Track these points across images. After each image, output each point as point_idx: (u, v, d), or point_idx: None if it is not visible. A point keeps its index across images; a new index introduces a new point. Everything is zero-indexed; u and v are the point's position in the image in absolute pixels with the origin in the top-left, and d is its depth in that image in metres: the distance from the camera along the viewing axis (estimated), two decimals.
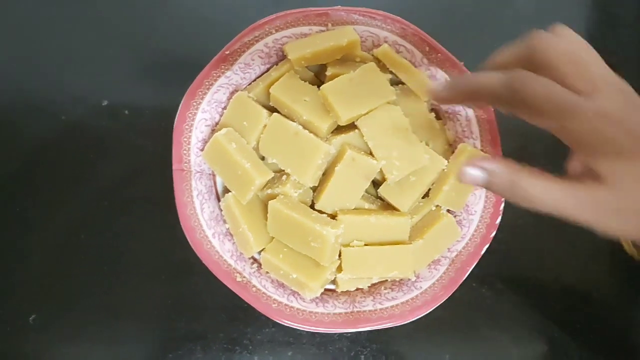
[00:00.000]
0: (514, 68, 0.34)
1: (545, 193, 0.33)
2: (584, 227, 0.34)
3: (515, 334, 0.56)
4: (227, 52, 0.48)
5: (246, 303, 0.48)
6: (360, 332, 0.54)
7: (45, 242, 0.56)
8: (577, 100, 0.32)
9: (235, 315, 0.55)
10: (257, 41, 0.49)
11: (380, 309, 0.49)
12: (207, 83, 0.49)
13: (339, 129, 0.49)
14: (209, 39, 0.52)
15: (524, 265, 0.58)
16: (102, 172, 0.56)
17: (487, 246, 0.50)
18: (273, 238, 0.49)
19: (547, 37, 0.34)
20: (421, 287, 0.50)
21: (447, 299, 0.50)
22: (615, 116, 0.31)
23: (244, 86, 0.52)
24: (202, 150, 0.50)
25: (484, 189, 0.51)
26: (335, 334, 0.55)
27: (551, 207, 0.33)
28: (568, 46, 0.33)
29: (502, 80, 0.34)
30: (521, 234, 0.58)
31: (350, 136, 0.48)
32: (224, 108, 0.51)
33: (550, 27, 0.36)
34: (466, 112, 0.52)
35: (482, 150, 0.51)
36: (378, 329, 0.49)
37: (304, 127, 0.47)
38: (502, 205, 0.51)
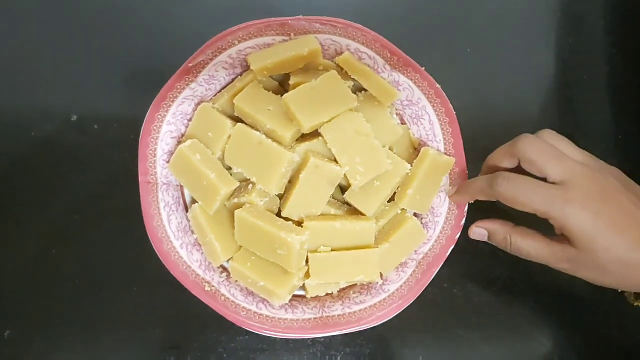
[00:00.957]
0: (504, 166, 0.47)
1: (532, 249, 0.46)
2: None
3: (486, 333, 0.57)
4: (190, 64, 0.49)
5: None
6: (333, 336, 0.55)
7: (17, 257, 0.56)
8: (550, 191, 0.43)
9: (208, 323, 0.55)
10: (220, 52, 0.50)
11: (349, 313, 0.50)
12: (171, 95, 0.50)
13: (303, 137, 0.50)
14: (174, 51, 0.53)
15: (494, 264, 0.58)
16: (73, 186, 0.57)
17: (452, 247, 0.51)
18: (241, 247, 0.49)
19: (529, 138, 0.45)
20: (389, 290, 0.51)
21: (418, 300, 0.50)
22: (580, 202, 0.41)
23: (209, 97, 0.52)
24: (168, 162, 0.50)
25: (447, 192, 0.53)
26: (308, 339, 0.56)
27: (538, 259, 0.46)
28: (545, 144, 0.45)
29: (486, 181, 0.46)
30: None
31: (314, 143, 0.49)
32: (189, 120, 0.51)
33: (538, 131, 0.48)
34: (429, 117, 0.52)
35: (445, 153, 0.52)
36: (351, 333, 0.50)
37: (268, 136, 0.48)
38: (466, 207, 0.51)
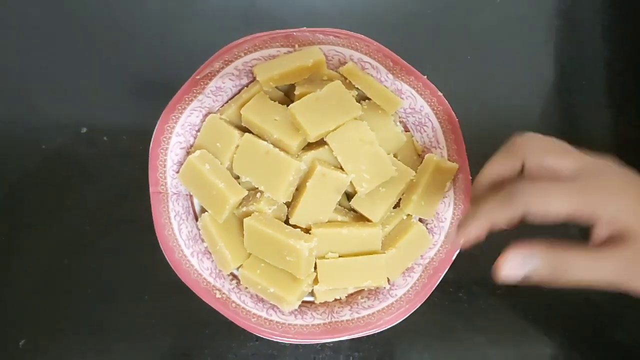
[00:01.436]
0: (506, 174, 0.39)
1: (586, 270, 0.34)
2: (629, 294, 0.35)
3: (492, 336, 0.58)
4: (198, 77, 0.50)
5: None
6: (342, 341, 0.56)
7: (30, 267, 0.57)
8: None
9: (219, 330, 0.56)
10: (227, 64, 0.51)
11: (358, 318, 0.51)
12: (179, 107, 0.51)
13: (309, 145, 0.51)
14: (181, 64, 0.54)
15: None
16: (84, 197, 0.58)
17: (457, 252, 0.52)
18: (250, 254, 0.50)
19: (526, 134, 0.39)
20: (396, 295, 0.52)
21: (424, 304, 0.51)
22: (617, 186, 0.35)
23: (217, 108, 0.53)
24: (177, 172, 0.51)
25: (452, 199, 0.53)
26: (317, 344, 0.56)
27: (599, 282, 0.34)
28: (545, 137, 0.39)
29: (501, 197, 0.36)
30: (494, 236, 0.59)
31: (320, 152, 0.50)
32: (198, 130, 0.52)
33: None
34: (432, 124, 0.53)
35: (448, 159, 0.53)
36: (359, 338, 0.51)
37: (275, 146, 0.49)
38: None
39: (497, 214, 0.37)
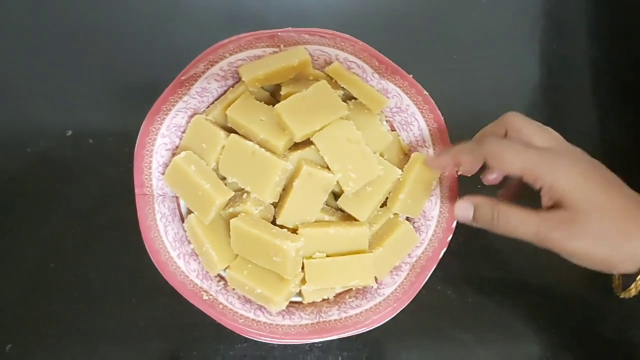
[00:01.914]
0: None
1: (520, 220, 0.42)
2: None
3: (481, 334, 0.58)
4: (183, 78, 0.50)
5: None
6: (330, 341, 0.56)
7: (16, 272, 0.56)
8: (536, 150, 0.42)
9: (207, 332, 0.56)
10: (212, 65, 0.51)
11: (346, 317, 0.51)
12: (164, 108, 0.51)
13: (295, 146, 0.51)
14: (166, 65, 0.53)
15: (487, 265, 0.59)
16: (70, 200, 0.57)
17: (444, 250, 0.52)
18: (237, 255, 0.50)
19: (515, 113, 0.46)
20: (384, 294, 0.52)
21: (413, 303, 0.51)
22: (569, 162, 0.41)
23: (202, 109, 0.53)
24: (163, 174, 0.51)
25: (439, 197, 0.53)
26: (306, 344, 0.56)
27: (528, 231, 0.41)
28: (531, 120, 0.45)
29: (473, 141, 0.46)
30: (481, 235, 0.59)
31: (306, 152, 0.50)
32: (183, 132, 0.52)
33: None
34: (418, 123, 0.54)
35: None
36: (347, 337, 0.51)
37: (262, 146, 0.49)
38: None
39: (463, 156, 0.46)
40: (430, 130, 0.53)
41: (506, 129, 0.46)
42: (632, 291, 0.44)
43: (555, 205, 0.41)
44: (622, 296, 0.46)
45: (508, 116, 0.46)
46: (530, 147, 0.42)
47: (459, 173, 0.52)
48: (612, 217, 0.39)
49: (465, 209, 0.45)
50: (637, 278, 0.41)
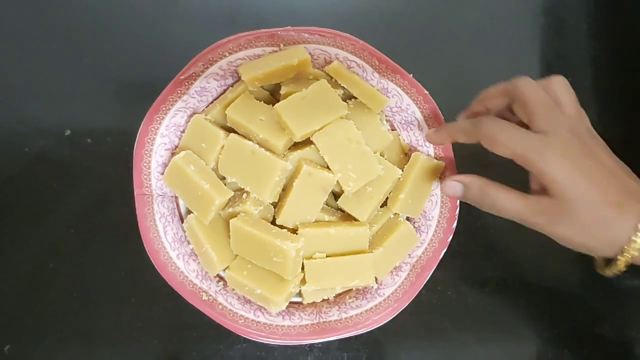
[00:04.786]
0: (494, 103, 0.48)
1: (507, 202, 0.43)
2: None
3: (480, 334, 0.58)
4: (182, 77, 0.50)
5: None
6: (330, 342, 0.56)
7: (14, 272, 0.56)
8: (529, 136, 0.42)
9: (206, 333, 0.56)
10: (211, 64, 0.51)
11: (346, 318, 0.51)
12: (164, 108, 0.50)
13: (295, 145, 0.51)
14: (165, 64, 0.53)
15: (486, 266, 0.59)
16: (68, 201, 0.57)
17: (445, 250, 0.52)
18: (237, 255, 0.50)
19: (529, 81, 0.44)
20: (384, 294, 0.51)
21: (413, 304, 0.51)
22: (560, 149, 0.41)
23: (202, 109, 0.53)
24: (162, 174, 0.51)
25: (439, 197, 0.53)
26: (306, 345, 0.56)
27: (513, 213, 0.43)
28: (543, 92, 0.44)
29: (469, 122, 0.45)
30: (481, 236, 0.59)
31: (306, 151, 0.50)
32: (183, 131, 0.52)
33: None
34: (419, 122, 0.53)
35: (435, 157, 0.53)
36: (347, 338, 0.51)
37: (261, 146, 0.49)
38: (458, 210, 0.52)
39: (459, 134, 0.47)
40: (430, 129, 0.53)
41: (512, 98, 0.45)
42: (608, 272, 0.44)
43: (543, 191, 0.42)
44: (607, 274, 0.45)
45: (518, 84, 0.45)
46: (525, 133, 0.42)
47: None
48: (596, 207, 0.40)
49: (454, 187, 0.47)
50: (617, 260, 0.41)
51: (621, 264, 0.41)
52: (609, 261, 0.44)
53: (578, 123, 0.44)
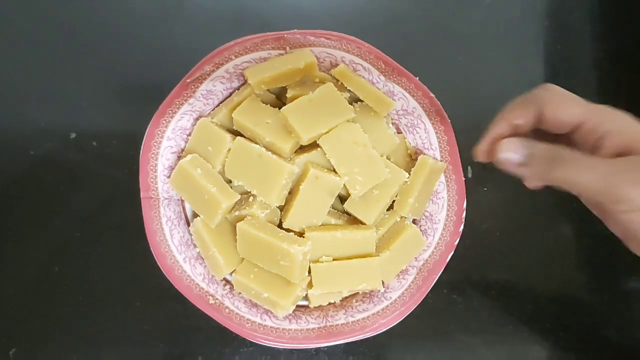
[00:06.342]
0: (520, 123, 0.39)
1: (585, 167, 0.34)
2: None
3: (487, 338, 0.58)
4: (188, 80, 0.50)
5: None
6: (337, 345, 0.55)
7: (20, 276, 0.56)
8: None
9: (212, 336, 0.56)
10: (217, 67, 0.51)
11: (353, 322, 0.50)
12: (170, 111, 0.50)
13: (302, 148, 0.51)
14: (171, 67, 0.53)
15: (492, 269, 0.59)
16: (73, 203, 0.57)
17: (452, 253, 0.52)
18: (243, 259, 0.50)
19: (550, 86, 0.39)
20: (391, 298, 0.51)
21: (419, 307, 0.51)
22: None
23: (208, 112, 0.53)
24: (169, 177, 0.51)
25: (446, 200, 0.53)
26: (311, 349, 0.56)
27: (590, 181, 0.34)
28: (566, 91, 0.38)
29: (518, 102, 0.39)
30: (487, 239, 0.59)
31: (313, 155, 0.50)
32: (189, 134, 0.52)
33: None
34: (425, 125, 0.53)
35: (441, 160, 0.53)
36: (354, 341, 0.51)
37: (268, 149, 0.48)
38: (464, 213, 0.52)
39: (515, 114, 0.39)
40: (436, 132, 0.53)
41: (539, 110, 0.38)
42: None
43: (623, 153, 0.35)
44: None
45: (544, 94, 0.38)
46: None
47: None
48: None
49: (517, 148, 0.36)
50: None
51: None
52: None
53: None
